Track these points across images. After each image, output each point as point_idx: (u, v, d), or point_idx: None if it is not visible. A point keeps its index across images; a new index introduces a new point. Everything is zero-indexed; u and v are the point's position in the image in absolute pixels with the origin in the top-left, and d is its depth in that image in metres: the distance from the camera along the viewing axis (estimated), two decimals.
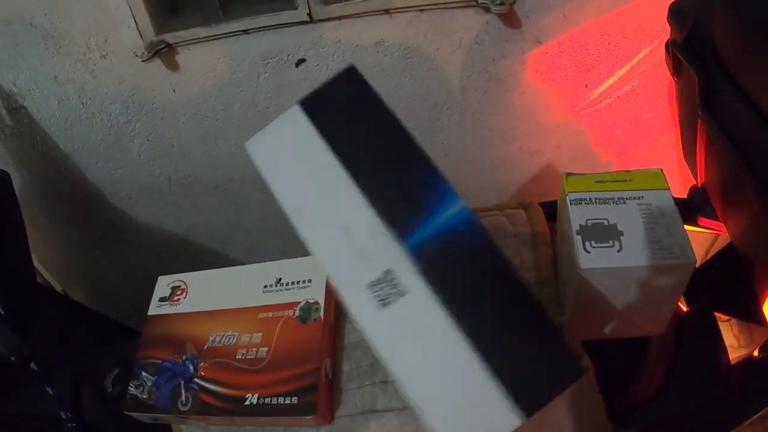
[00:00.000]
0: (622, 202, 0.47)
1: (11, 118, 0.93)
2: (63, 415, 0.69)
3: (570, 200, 0.47)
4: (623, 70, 0.76)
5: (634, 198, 0.47)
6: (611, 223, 0.45)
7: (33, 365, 0.66)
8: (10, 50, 0.83)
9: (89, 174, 0.99)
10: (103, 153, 0.94)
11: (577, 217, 0.46)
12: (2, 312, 0.68)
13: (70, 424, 0.70)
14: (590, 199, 0.47)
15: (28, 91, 0.88)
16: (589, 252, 0.43)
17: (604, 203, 0.47)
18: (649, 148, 0.84)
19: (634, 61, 0.75)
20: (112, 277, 1.22)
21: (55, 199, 1.05)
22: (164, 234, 1.09)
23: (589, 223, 0.45)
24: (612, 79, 0.77)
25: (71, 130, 0.92)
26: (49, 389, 0.68)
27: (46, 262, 1.21)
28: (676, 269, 0.42)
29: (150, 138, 0.90)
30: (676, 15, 0.58)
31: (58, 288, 1.24)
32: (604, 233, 0.44)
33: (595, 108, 0.80)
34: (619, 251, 0.43)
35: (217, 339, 0.59)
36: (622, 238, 0.44)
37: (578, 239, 0.44)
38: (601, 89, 0.78)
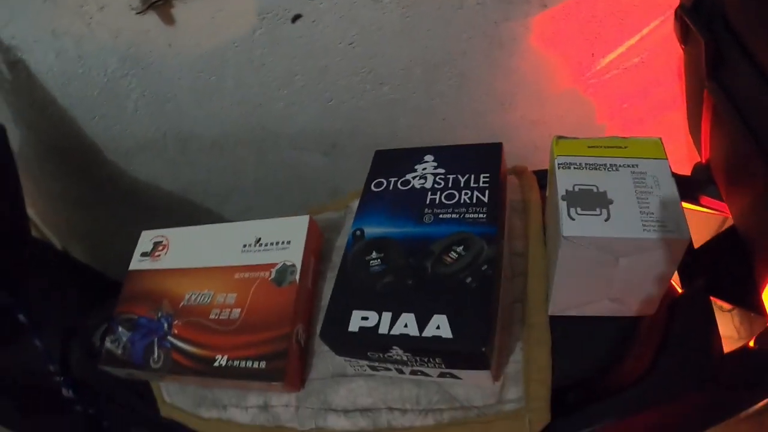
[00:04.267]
0: (614, 168, 0.44)
1: (10, 72, 0.92)
2: (51, 368, 0.69)
3: (558, 164, 0.45)
4: (632, 41, 0.73)
5: (628, 166, 0.44)
6: (601, 190, 0.43)
7: (21, 317, 0.66)
8: (11, 2, 0.82)
9: (86, 129, 0.98)
10: (100, 108, 0.93)
11: (564, 181, 0.44)
12: None
13: (58, 378, 0.70)
14: (580, 164, 0.45)
15: (27, 44, 0.86)
16: (573, 219, 0.41)
17: (595, 169, 0.45)
18: (655, 125, 0.81)
19: (645, 31, 0.72)
20: (108, 233, 1.22)
21: (52, 155, 1.05)
22: (160, 192, 1.08)
23: (577, 188, 0.43)
24: (620, 50, 0.74)
25: (68, 85, 0.91)
26: (37, 342, 0.68)
27: (47, 219, 1.22)
28: (669, 244, 0.40)
29: (146, 93, 0.89)
30: None
31: (58, 245, 1.24)
32: (591, 200, 0.42)
33: (602, 79, 0.77)
34: (606, 220, 0.41)
35: (193, 297, 0.58)
36: (611, 206, 0.41)
37: (563, 205, 0.42)
38: (608, 59, 0.75)
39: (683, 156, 0.75)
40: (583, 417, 0.46)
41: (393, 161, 0.56)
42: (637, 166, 0.44)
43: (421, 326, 0.41)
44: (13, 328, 0.68)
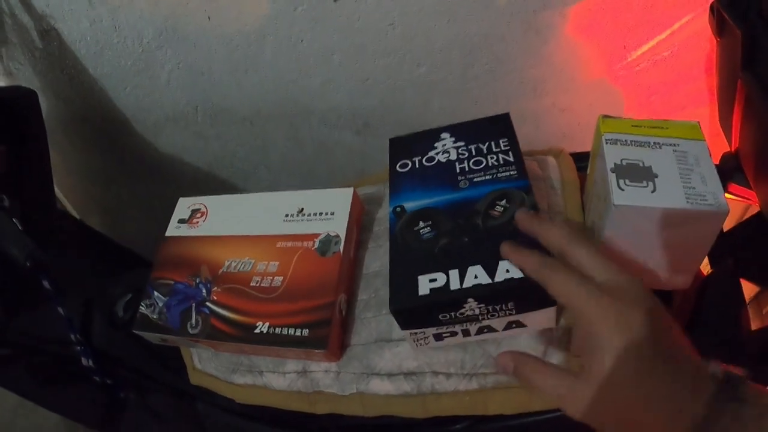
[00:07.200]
0: (657, 146, 0.47)
1: (41, 41, 0.92)
2: (72, 337, 0.69)
3: (606, 140, 0.48)
4: (663, 35, 0.75)
5: (670, 144, 0.47)
6: (646, 165, 0.45)
7: (45, 283, 0.65)
8: None
9: (116, 100, 0.98)
10: (132, 79, 0.94)
11: (612, 155, 0.46)
12: (20, 226, 0.67)
13: (78, 347, 0.69)
14: (626, 140, 0.48)
15: (60, 12, 0.87)
16: (623, 189, 0.44)
17: (640, 146, 0.47)
18: (680, 118, 0.83)
19: (675, 26, 0.74)
20: (130, 207, 1.23)
21: (80, 125, 1.06)
22: (187, 165, 1.09)
23: (624, 162, 0.46)
24: (651, 43, 0.76)
25: (101, 54, 0.91)
26: (60, 309, 0.67)
27: (66, 190, 1.23)
28: (709, 217, 0.42)
29: (180, 65, 0.90)
30: None
31: (75, 216, 1.25)
32: (638, 173, 0.45)
33: (632, 71, 0.79)
34: (653, 192, 0.43)
35: (233, 265, 0.59)
36: (656, 179, 0.44)
37: (612, 176, 0.44)
38: (639, 52, 0.77)
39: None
40: None
41: (410, 144, 0.58)
42: (678, 145, 0.47)
43: (491, 274, 0.42)
44: (36, 294, 0.67)
